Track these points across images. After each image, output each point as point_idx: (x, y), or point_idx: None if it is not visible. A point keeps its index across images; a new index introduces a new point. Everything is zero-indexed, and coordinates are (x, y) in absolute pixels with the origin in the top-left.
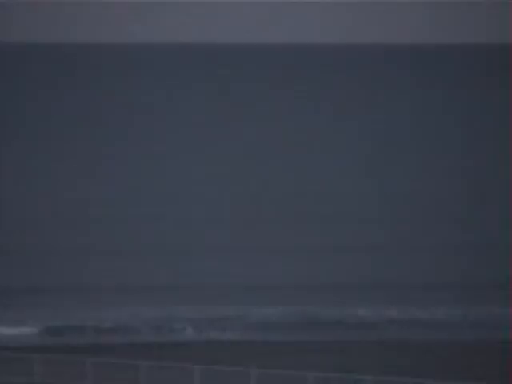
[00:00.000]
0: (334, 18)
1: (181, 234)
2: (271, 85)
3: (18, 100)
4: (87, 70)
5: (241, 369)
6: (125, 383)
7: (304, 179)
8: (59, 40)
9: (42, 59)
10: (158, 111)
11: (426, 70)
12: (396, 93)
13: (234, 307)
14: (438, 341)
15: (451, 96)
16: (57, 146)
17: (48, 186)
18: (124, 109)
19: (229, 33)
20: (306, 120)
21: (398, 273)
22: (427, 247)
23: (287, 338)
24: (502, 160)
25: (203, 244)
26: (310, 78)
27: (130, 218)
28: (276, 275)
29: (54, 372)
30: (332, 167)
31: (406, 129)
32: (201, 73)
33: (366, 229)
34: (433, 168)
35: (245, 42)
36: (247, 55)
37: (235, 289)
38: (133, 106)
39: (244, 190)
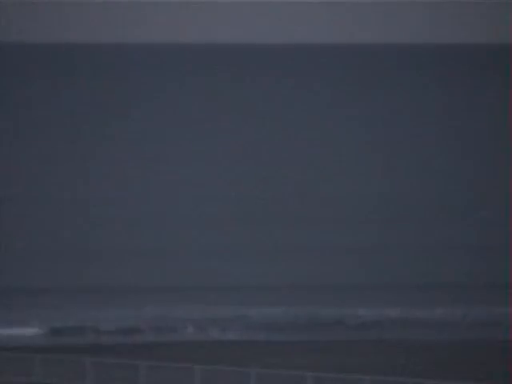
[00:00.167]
0: (334, 18)
1: (180, 234)
2: (271, 85)
3: (18, 100)
4: (87, 70)
5: (241, 369)
6: (125, 383)
7: (304, 179)
8: (59, 40)
9: (41, 59)
10: (157, 111)
11: (426, 70)
12: (396, 93)
13: (234, 307)
14: (437, 341)
15: (451, 96)
16: (55, 146)
17: (48, 186)
18: (123, 109)
19: (229, 33)
20: (305, 120)
21: (398, 273)
22: (427, 247)
23: (287, 338)
24: (502, 160)
25: (203, 244)
26: (309, 78)
27: (129, 219)
28: (276, 275)
29: (54, 372)
30: (332, 167)
31: (405, 129)
32: (201, 73)
33: (366, 229)
34: (433, 168)
35: (245, 42)
36: (247, 55)
37: (235, 289)
38: (132, 106)
39: (244, 190)
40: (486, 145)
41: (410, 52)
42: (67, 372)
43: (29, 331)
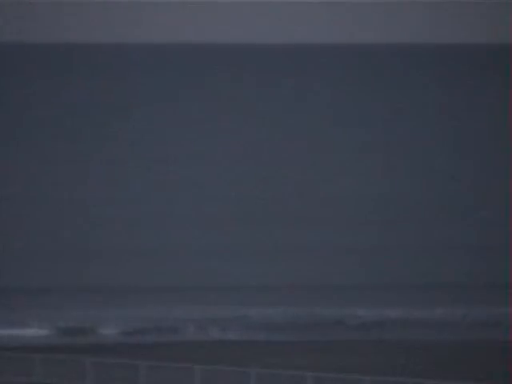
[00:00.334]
0: (334, 18)
1: (180, 234)
2: (271, 85)
3: (17, 100)
4: (86, 70)
5: (241, 369)
6: (125, 383)
7: (304, 179)
8: (58, 40)
9: (40, 59)
10: (157, 111)
11: (426, 70)
12: (396, 93)
13: (234, 307)
14: (437, 341)
15: (451, 96)
16: (55, 146)
17: (48, 186)
18: (123, 109)
19: (229, 33)
20: (305, 120)
21: (398, 273)
22: (427, 247)
23: (287, 338)
24: (502, 160)
25: (203, 244)
26: (309, 78)
27: (129, 219)
28: (276, 275)
29: (54, 372)
30: (332, 167)
31: (405, 129)
32: (201, 73)
33: (366, 229)
34: (433, 168)
35: (245, 42)
36: (247, 55)
37: (235, 289)
38: (132, 106)
39: (244, 190)
40: (486, 145)
41: (410, 52)
42: (67, 372)
43: (41, 331)
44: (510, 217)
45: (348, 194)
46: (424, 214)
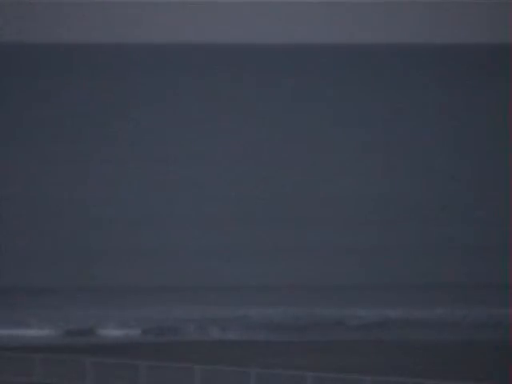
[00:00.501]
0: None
1: (180, 235)
2: (271, 85)
3: (17, 100)
4: (86, 70)
5: (241, 369)
6: (125, 383)
7: (304, 179)
8: (58, 40)
9: (40, 59)
10: (157, 111)
11: (426, 70)
12: (396, 93)
13: (234, 307)
14: (437, 341)
15: (451, 96)
16: (55, 146)
17: (48, 186)
18: (123, 109)
19: (229, 33)
20: (305, 120)
21: (398, 273)
22: (427, 248)
23: (287, 338)
24: (502, 160)
25: (203, 244)
26: (309, 78)
27: (129, 219)
28: (276, 276)
29: (54, 372)
30: (332, 167)
31: (405, 129)
32: (201, 73)
33: (366, 229)
34: (432, 168)
35: (245, 42)
36: (247, 55)
37: (235, 289)
38: (132, 106)
39: (244, 190)
40: (486, 145)
41: (410, 52)
42: (67, 372)
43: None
44: (509, 217)
45: (348, 193)
46: (424, 214)
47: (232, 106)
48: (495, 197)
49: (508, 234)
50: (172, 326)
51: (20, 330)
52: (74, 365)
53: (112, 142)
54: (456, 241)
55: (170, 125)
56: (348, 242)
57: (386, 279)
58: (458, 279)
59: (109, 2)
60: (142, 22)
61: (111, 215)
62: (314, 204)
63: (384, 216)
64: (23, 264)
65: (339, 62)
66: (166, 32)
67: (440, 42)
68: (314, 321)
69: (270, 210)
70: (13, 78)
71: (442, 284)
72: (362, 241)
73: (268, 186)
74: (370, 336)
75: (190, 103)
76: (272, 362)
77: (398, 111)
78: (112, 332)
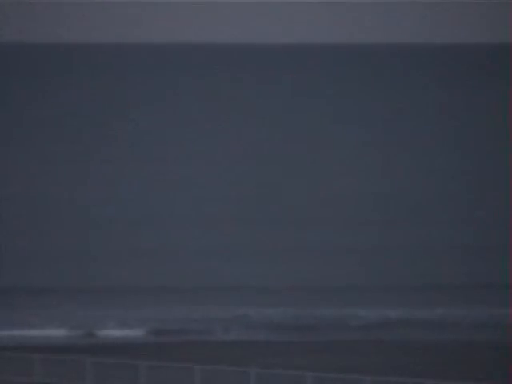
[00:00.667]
0: (334, 18)
1: (180, 235)
2: (271, 85)
3: (16, 100)
4: (86, 70)
5: (241, 369)
6: (125, 383)
7: (304, 179)
8: (58, 40)
9: (40, 59)
10: (157, 111)
11: (426, 70)
12: (396, 93)
13: (234, 307)
14: (438, 341)
15: (451, 96)
16: (55, 146)
17: (48, 186)
18: (123, 109)
19: (229, 33)
20: (305, 120)
21: (399, 274)
22: (427, 248)
23: (287, 338)
24: (502, 160)
25: (203, 245)
26: (309, 78)
27: (129, 219)
28: (276, 276)
29: (54, 372)
30: (332, 167)
31: (405, 129)
32: (201, 73)
33: (366, 230)
34: (433, 168)
35: (245, 42)
36: (247, 55)
37: (235, 289)
38: (132, 106)
39: (244, 191)
40: (486, 145)
41: (410, 52)
42: (67, 372)
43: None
44: (509, 217)
45: (348, 193)
46: (424, 214)
47: (232, 106)
48: (495, 197)
49: (508, 233)
50: (172, 326)
51: (20, 331)
52: (74, 365)
53: (112, 141)
54: (456, 241)
55: (169, 125)
56: (348, 242)
57: (386, 279)
58: (458, 279)
59: (109, 2)
60: (142, 22)
61: (111, 215)
62: (314, 204)
63: (384, 216)
64: (23, 264)
65: (339, 61)
66: (165, 32)
67: (440, 41)
68: (314, 321)
69: (270, 209)
70: (13, 78)
71: (442, 284)
72: (362, 241)
73: (268, 186)
74: (370, 336)
75: (189, 103)
76: (272, 362)
77: (397, 111)
78: (112, 332)
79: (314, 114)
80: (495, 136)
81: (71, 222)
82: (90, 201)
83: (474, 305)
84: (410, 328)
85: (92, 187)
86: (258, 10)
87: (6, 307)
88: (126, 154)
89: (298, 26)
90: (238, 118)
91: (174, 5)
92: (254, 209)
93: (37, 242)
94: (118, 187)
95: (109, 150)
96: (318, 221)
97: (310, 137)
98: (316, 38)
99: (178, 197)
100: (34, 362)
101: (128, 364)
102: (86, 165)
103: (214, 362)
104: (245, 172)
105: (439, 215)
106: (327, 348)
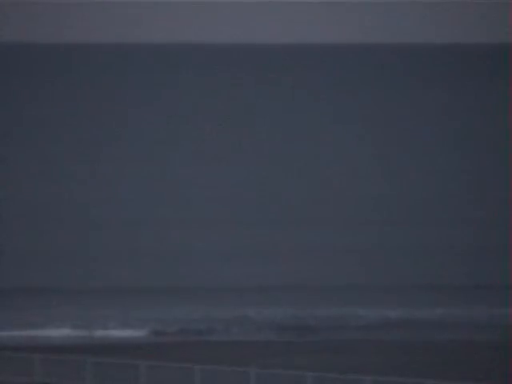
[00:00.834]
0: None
1: (179, 236)
2: (271, 85)
3: (16, 100)
4: (86, 70)
5: (241, 369)
6: (125, 383)
7: (304, 180)
8: (58, 40)
9: (40, 59)
10: (157, 111)
11: (426, 70)
12: (396, 93)
13: (234, 307)
14: (438, 341)
15: (451, 96)
16: (55, 147)
17: (48, 186)
18: (123, 109)
19: (229, 33)
20: (305, 120)
21: (399, 274)
22: (427, 248)
23: (287, 338)
24: (502, 160)
25: (203, 245)
26: (309, 78)
27: (129, 219)
28: (276, 276)
29: (54, 372)
30: (332, 168)
31: (405, 129)
32: (201, 73)
33: (366, 230)
34: (433, 168)
35: (245, 42)
36: (247, 55)
37: (235, 289)
38: (132, 106)
39: (244, 191)
40: (486, 145)
41: (410, 52)
42: (67, 372)
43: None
44: (509, 217)
45: (348, 193)
46: (424, 214)
47: (232, 106)
48: (495, 197)
49: (508, 233)
50: (172, 326)
51: (20, 331)
52: (74, 365)
53: (112, 141)
54: (456, 241)
55: (169, 125)
56: (348, 242)
57: (386, 279)
58: (458, 279)
59: (109, 2)
60: (142, 22)
61: (111, 215)
62: (314, 204)
63: (384, 216)
64: (23, 264)
65: (339, 61)
66: (166, 32)
67: (440, 41)
68: (314, 321)
69: (270, 209)
70: (13, 78)
71: (442, 284)
72: (362, 241)
73: (268, 186)
74: (370, 336)
75: (189, 103)
76: (272, 362)
77: (397, 111)
78: (112, 332)
79: (314, 114)
80: (495, 136)
81: (71, 221)
82: (90, 201)
83: (474, 305)
84: (410, 328)
85: (92, 187)
86: (258, 9)
87: (6, 307)
88: (126, 153)
89: (298, 26)
90: (237, 118)
91: (173, 5)
92: (254, 209)
93: (37, 242)
94: (118, 187)
95: (109, 150)
96: (317, 221)
97: (309, 137)
98: (316, 38)
99: (178, 197)
100: (34, 361)
101: (128, 364)
102: (86, 165)
103: (214, 362)
104: (245, 172)
105: (439, 215)
106: (327, 348)
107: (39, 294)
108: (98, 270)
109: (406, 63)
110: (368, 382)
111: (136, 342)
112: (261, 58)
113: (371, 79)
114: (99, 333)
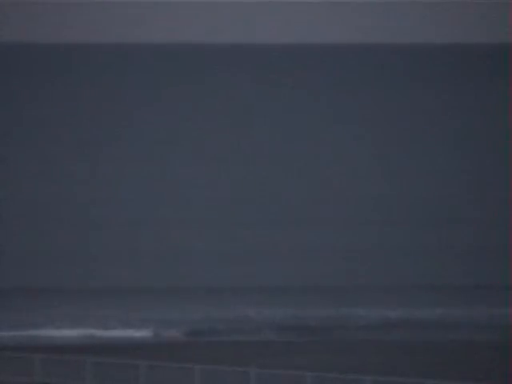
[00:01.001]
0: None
1: (180, 236)
2: (271, 85)
3: (16, 100)
4: (86, 70)
5: (241, 369)
6: (125, 383)
7: (303, 180)
8: (58, 40)
9: (40, 59)
10: (157, 111)
11: (426, 70)
12: (396, 93)
13: (234, 308)
14: (437, 341)
15: (451, 96)
16: (55, 147)
17: (48, 186)
18: (123, 109)
19: (229, 33)
20: (305, 120)
21: (399, 274)
22: (427, 248)
23: (288, 338)
24: (502, 160)
25: (203, 245)
26: (309, 78)
27: (129, 220)
28: (277, 276)
29: (54, 372)
30: (332, 168)
31: (405, 129)
32: (201, 73)
33: (366, 230)
34: (431, 169)
35: (245, 42)
36: (247, 55)
37: (236, 290)
38: (132, 106)
39: (244, 191)
40: (486, 145)
41: (410, 52)
42: (67, 372)
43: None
44: (509, 217)
45: (348, 193)
46: (424, 214)
47: (232, 106)
48: (495, 197)
49: (508, 233)
50: (172, 326)
51: (20, 331)
52: (74, 365)
53: (112, 141)
54: (456, 241)
55: (169, 125)
56: (348, 242)
57: (386, 279)
58: (458, 279)
59: (109, 2)
60: (142, 22)
61: (111, 215)
62: (314, 204)
63: (384, 216)
64: (23, 264)
65: (339, 61)
66: (166, 32)
67: (440, 41)
68: (314, 321)
69: (270, 210)
70: (13, 78)
71: (442, 284)
72: (362, 241)
73: (268, 186)
74: (370, 336)
75: (189, 103)
76: (272, 362)
77: (397, 111)
78: (112, 332)
79: (314, 114)
80: (495, 136)
81: (71, 221)
82: (90, 201)
83: (474, 305)
84: (410, 328)
85: (92, 187)
86: (258, 9)
87: (7, 307)
88: (126, 153)
89: (298, 25)
90: (237, 118)
91: (173, 5)
92: (253, 209)
93: (37, 242)
94: (118, 187)
95: (109, 150)
96: (318, 221)
97: (309, 137)
98: (316, 38)
99: (178, 197)
100: (34, 361)
101: (128, 364)
102: (86, 165)
103: (214, 362)
104: (245, 172)
105: (439, 215)
106: (327, 348)
107: (39, 293)
108: (98, 270)
109: (406, 63)
110: (368, 382)
111: (136, 342)
112: (261, 58)
113: (371, 79)
114: (99, 333)
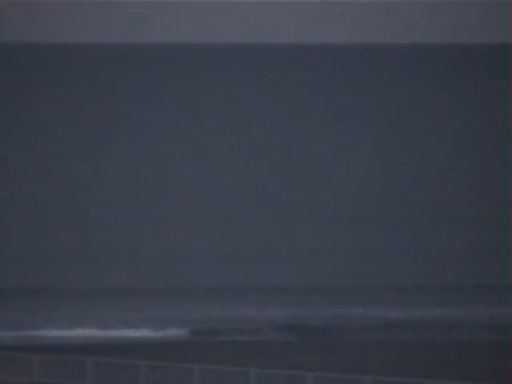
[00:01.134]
0: (334, 18)
1: (180, 236)
2: (271, 85)
3: (16, 100)
4: (86, 70)
5: (241, 369)
6: (125, 383)
7: (303, 180)
8: (58, 40)
9: (40, 59)
10: (157, 111)
11: (426, 70)
12: (396, 93)
13: (234, 308)
14: (437, 341)
15: (451, 96)
16: (55, 147)
17: (48, 186)
18: (123, 109)
19: (229, 33)
20: (305, 120)
21: (399, 274)
22: (427, 248)
23: (288, 338)
24: (502, 160)
25: (203, 246)
26: (310, 78)
27: (129, 220)
28: (277, 276)
29: (54, 372)
30: (332, 168)
31: (405, 129)
32: (201, 73)
33: (366, 230)
34: (431, 169)
35: (245, 42)
36: (247, 55)
37: (235, 290)
38: (132, 106)
39: (244, 192)
40: (486, 145)
41: (410, 52)
42: (67, 372)
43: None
44: (509, 217)
45: (348, 193)
46: (424, 215)
47: (232, 106)
48: (495, 197)
49: (508, 234)
50: (172, 326)
51: (20, 331)
52: (74, 365)
53: (112, 141)
54: (456, 241)
55: (169, 125)
56: (348, 242)
57: (386, 280)
58: (459, 280)
59: (109, 2)
60: (142, 22)
61: (111, 215)
62: (314, 204)
63: (384, 216)
64: (23, 264)
65: (339, 61)
66: (166, 32)
67: (440, 42)
68: (314, 321)
69: (270, 210)
70: (13, 78)
71: (442, 284)
72: (362, 241)
73: (268, 186)
74: (371, 336)
75: (189, 103)
76: (272, 362)
77: (398, 111)
78: (112, 332)
79: (314, 114)
80: (495, 136)
81: (71, 221)
82: (90, 201)
83: (474, 305)
84: (410, 328)
85: (92, 187)
86: (258, 9)
87: (6, 307)
88: (126, 153)
89: (298, 25)
90: (237, 118)
91: (173, 5)
92: (254, 209)
93: (37, 242)
94: (118, 187)
95: (109, 150)
96: (318, 221)
97: (309, 137)
98: (316, 38)
99: (178, 197)
100: (34, 361)
101: (128, 364)
102: (86, 165)
103: (214, 362)
104: (245, 172)
105: (439, 215)
106: (327, 348)
107: (39, 293)
108: (98, 270)
109: (406, 63)
110: (368, 382)
111: (136, 342)
112: (261, 58)
113: (371, 79)
114: (99, 333)
